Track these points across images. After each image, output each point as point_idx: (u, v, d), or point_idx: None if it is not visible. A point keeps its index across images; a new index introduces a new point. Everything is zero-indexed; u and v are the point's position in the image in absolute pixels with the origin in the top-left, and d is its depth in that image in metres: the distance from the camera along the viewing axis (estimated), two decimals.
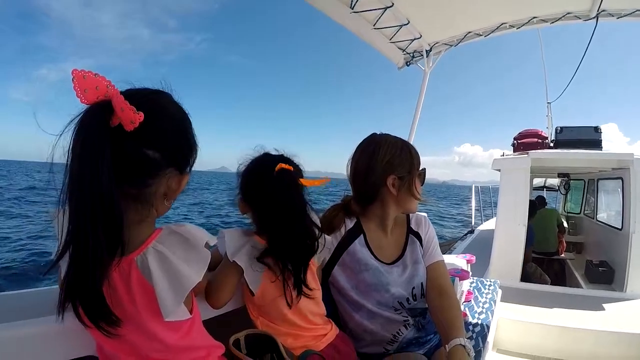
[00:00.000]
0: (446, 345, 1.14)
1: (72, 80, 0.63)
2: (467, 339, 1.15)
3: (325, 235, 1.27)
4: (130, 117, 0.65)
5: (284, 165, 1.08)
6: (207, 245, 0.79)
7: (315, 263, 1.23)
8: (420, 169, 1.39)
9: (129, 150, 0.68)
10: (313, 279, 1.21)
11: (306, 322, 1.16)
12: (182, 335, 0.81)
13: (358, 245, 1.36)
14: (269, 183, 1.06)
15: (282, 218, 1.06)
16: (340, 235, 1.36)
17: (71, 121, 0.65)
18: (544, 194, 6.99)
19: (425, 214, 1.56)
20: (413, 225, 1.47)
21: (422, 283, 1.37)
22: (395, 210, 1.39)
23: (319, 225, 1.18)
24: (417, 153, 1.39)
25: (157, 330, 0.75)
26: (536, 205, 4.93)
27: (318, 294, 1.23)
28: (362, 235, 1.38)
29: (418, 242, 1.44)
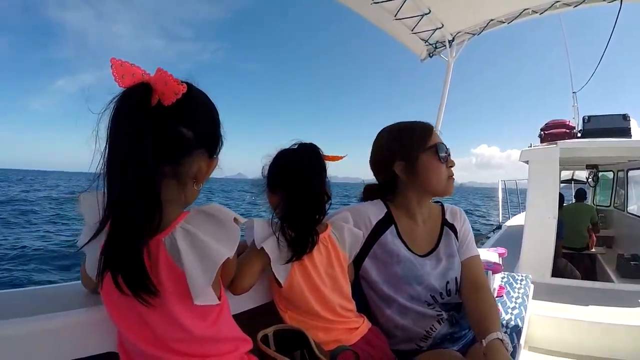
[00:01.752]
0: (483, 340, 1.09)
1: (111, 67, 0.68)
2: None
3: (355, 229, 1.25)
4: (175, 89, 0.69)
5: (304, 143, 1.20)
6: (236, 222, 0.79)
7: (346, 258, 1.21)
8: (432, 143, 1.31)
9: (165, 127, 0.73)
10: (343, 275, 1.19)
11: (336, 316, 1.13)
12: (208, 325, 0.79)
13: (390, 236, 1.31)
14: (294, 154, 1.17)
15: (306, 178, 1.13)
16: (370, 226, 1.32)
17: (111, 100, 0.69)
18: (572, 187, 6.80)
19: (457, 208, 1.50)
20: (448, 217, 1.42)
21: (456, 277, 1.32)
22: (418, 196, 1.35)
23: (330, 195, 1.21)
24: (423, 130, 1.34)
25: (182, 316, 0.74)
26: (564, 199, 4.79)
27: (348, 289, 1.20)
28: (393, 226, 1.33)
29: (453, 235, 1.39)
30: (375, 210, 1.36)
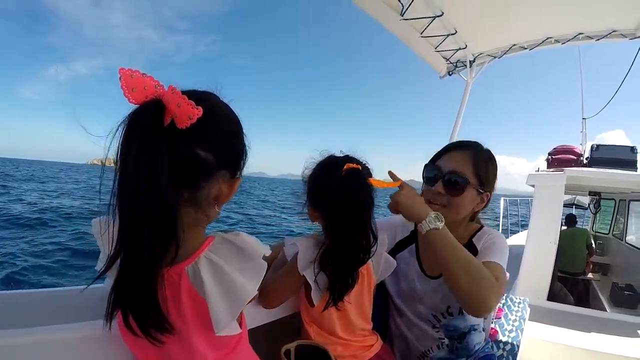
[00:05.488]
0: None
1: (120, 79, 0.59)
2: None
3: (391, 259, 1.26)
4: (189, 113, 0.61)
5: (351, 165, 1.05)
6: (263, 257, 0.74)
7: (374, 283, 1.24)
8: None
9: (180, 149, 0.64)
10: (368, 299, 1.22)
11: (354, 336, 1.19)
12: (226, 353, 0.77)
13: (407, 253, 1.37)
14: (338, 183, 1.04)
15: (350, 216, 1.04)
16: (394, 241, 1.38)
17: (122, 121, 0.61)
18: (573, 211, 6.85)
19: (496, 231, 1.37)
20: (475, 239, 1.31)
21: (460, 307, 1.28)
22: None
23: (377, 234, 1.12)
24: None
25: (201, 346, 0.71)
26: (560, 223, 4.84)
27: (369, 311, 1.24)
28: (413, 245, 1.38)
29: None
30: (402, 227, 1.42)
